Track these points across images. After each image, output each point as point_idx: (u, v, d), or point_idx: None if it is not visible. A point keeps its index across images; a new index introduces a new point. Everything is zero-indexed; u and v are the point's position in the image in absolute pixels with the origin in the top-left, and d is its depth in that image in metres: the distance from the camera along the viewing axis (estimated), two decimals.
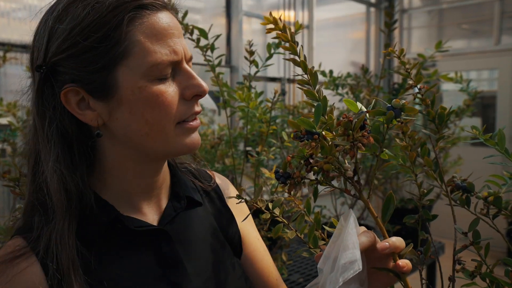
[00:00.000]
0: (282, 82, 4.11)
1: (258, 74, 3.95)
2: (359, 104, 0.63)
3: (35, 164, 0.68)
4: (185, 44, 0.69)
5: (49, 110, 0.65)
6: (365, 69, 1.90)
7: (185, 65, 0.68)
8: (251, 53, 1.32)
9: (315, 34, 4.29)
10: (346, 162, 0.60)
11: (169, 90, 0.65)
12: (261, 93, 1.37)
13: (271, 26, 0.72)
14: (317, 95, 0.67)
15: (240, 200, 0.74)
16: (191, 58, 0.71)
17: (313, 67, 0.70)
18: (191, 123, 0.69)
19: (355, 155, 0.56)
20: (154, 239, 0.71)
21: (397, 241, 0.63)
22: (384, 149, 1.12)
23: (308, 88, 0.68)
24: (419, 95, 0.90)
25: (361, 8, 4.88)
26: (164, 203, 0.77)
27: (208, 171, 0.89)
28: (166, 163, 0.77)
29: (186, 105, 0.68)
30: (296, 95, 4.18)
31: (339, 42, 4.78)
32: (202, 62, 1.38)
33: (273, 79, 4.07)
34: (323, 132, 0.59)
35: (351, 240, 0.56)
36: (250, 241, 0.87)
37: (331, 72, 1.94)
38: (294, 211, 0.80)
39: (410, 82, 0.92)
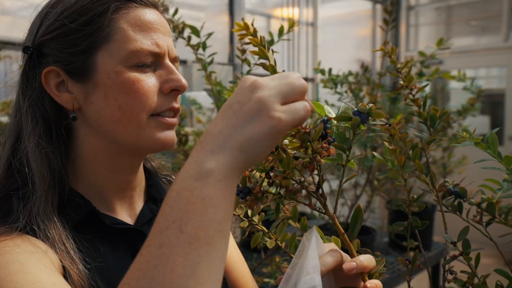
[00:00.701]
0: None
1: (261, 72, 3.92)
2: (327, 108, 0.59)
3: (16, 142, 0.68)
4: (172, 44, 0.71)
5: (31, 90, 0.67)
6: (365, 67, 1.86)
7: (167, 61, 0.69)
8: (243, 51, 1.29)
9: (320, 31, 4.23)
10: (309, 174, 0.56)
11: (147, 79, 0.66)
12: None
13: (243, 32, 0.69)
14: None
15: None
16: (176, 58, 0.72)
17: (283, 70, 0.66)
18: (167, 118, 0.68)
19: (314, 168, 0.52)
20: (130, 239, 0.69)
21: (366, 260, 0.58)
22: (376, 153, 1.08)
23: None
24: (410, 96, 0.86)
25: (367, 4, 4.81)
26: (138, 206, 0.75)
27: None
28: (141, 167, 0.75)
29: (164, 99, 0.68)
30: None
31: (344, 39, 4.72)
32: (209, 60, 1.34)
33: None
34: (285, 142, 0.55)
35: (311, 263, 0.52)
36: (232, 260, 0.84)
37: (330, 70, 1.90)
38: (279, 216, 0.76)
39: (401, 82, 0.88)
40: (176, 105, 0.69)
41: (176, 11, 1.29)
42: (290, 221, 0.78)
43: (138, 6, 0.67)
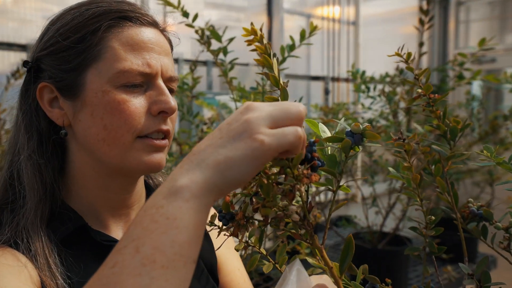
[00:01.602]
0: (326, 80, 3.97)
1: (301, 73, 3.84)
2: (322, 127, 0.53)
3: (13, 155, 0.68)
4: (168, 63, 0.69)
5: (27, 104, 0.68)
6: (400, 70, 1.76)
7: (159, 81, 0.67)
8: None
9: (362, 30, 4.10)
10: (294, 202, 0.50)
11: (134, 100, 0.64)
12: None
13: (251, 37, 0.65)
14: None
15: (211, 227, 0.67)
16: (172, 78, 0.69)
17: (284, 82, 0.61)
18: (154, 140, 0.66)
19: (294, 197, 0.46)
20: None
21: None
22: (391, 169, 1.00)
23: None
24: (429, 106, 0.78)
25: (413, 1, 4.61)
26: None
27: None
28: (141, 185, 0.73)
29: (152, 120, 0.66)
30: (341, 94, 4.02)
31: (388, 38, 4.54)
32: (242, 62, 1.31)
33: (316, 78, 3.94)
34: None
35: None
36: (227, 270, 0.81)
37: (363, 72, 1.82)
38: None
39: (419, 90, 0.81)
40: (165, 127, 0.66)
41: (195, 17, 1.26)
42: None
43: (133, 25, 0.66)
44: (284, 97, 0.61)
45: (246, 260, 0.74)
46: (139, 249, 0.39)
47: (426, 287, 0.69)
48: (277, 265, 0.69)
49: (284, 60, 1.24)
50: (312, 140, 0.50)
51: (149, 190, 0.78)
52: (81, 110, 0.65)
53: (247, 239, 0.69)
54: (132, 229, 0.41)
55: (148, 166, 0.65)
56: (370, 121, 1.96)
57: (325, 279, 0.55)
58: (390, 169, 0.81)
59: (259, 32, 0.65)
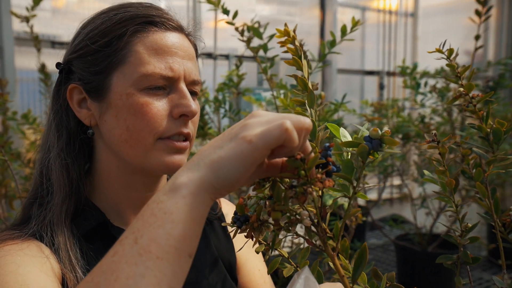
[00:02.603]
0: (381, 75, 3.85)
1: (355, 67, 3.75)
2: (343, 131, 0.51)
3: (45, 153, 0.72)
4: (191, 68, 0.70)
5: (58, 104, 0.71)
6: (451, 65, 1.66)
7: (182, 85, 0.69)
8: (304, 53, 1.22)
9: (421, 22, 3.92)
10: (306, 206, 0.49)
11: (156, 103, 0.66)
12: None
13: (284, 38, 0.64)
14: (307, 113, 0.57)
15: (232, 229, 0.67)
16: (194, 82, 0.71)
17: (314, 84, 0.60)
18: (175, 142, 0.68)
19: (305, 200, 0.45)
20: None
21: None
22: (427, 172, 0.96)
23: (303, 109, 0.58)
24: (471, 106, 0.73)
25: None
26: None
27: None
28: (163, 183, 0.75)
29: (173, 123, 0.68)
30: (397, 90, 3.88)
31: (450, 29, 4.31)
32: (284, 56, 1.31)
33: (371, 73, 3.83)
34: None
35: None
36: (246, 270, 0.80)
37: (414, 67, 1.74)
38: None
39: (461, 89, 0.76)
40: (186, 130, 0.68)
41: (235, 14, 1.26)
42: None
43: (158, 30, 0.68)
44: (311, 102, 0.60)
45: (269, 263, 0.74)
46: (138, 240, 0.42)
47: None
48: (298, 269, 0.67)
49: (324, 56, 1.21)
50: (327, 144, 0.48)
51: None
52: (107, 112, 0.67)
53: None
54: (135, 222, 0.44)
55: (168, 166, 0.67)
56: (422, 118, 1.87)
57: (339, 286, 0.53)
58: (426, 172, 0.77)
59: (291, 33, 0.64)
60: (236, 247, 0.81)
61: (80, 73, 0.69)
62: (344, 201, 1.32)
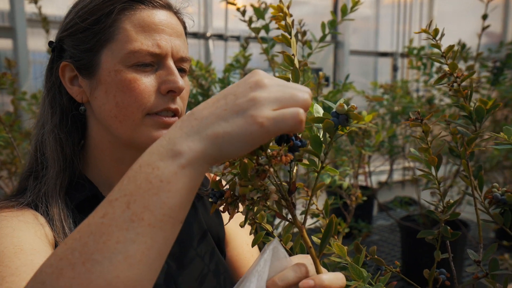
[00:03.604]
0: (395, 57, 3.80)
1: (368, 49, 3.72)
2: (316, 107, 0.53)
3: (40, 129, 0.75)
4: (179, 45, 0.71)
5: (51, 81, 0.74)
6: (462, 44, 1.65)
7: (169, 62, 0.70)
8: (303, 33, 1.23)
9: (437, 1, 3.84)
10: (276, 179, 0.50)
11: (144, 79, 0.68)
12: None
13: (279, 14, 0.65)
14: None
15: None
16: (183, 59, 0.72)
17: (301, 61, 0.61)
18: (164, 118, 0.69)
19: (265, 177, 0.47)
20: None
21: (328, 279, 0.50)
22: (413, 149, 0.97)
23: None
24: (455, 85, 0.74)
25: None
26: None
27: (207, 175, 0.87)
28: None
29: (161, 99, 0.69)
30: (411, 71, 3.83)
31: (468, 9, 4.19)
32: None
33: (384, 54, 3.78)
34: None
35: (260, 284, 0.48)
36: (235, 244, 0.83)
37: (421, 48, 1.72)
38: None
39: (446, 69, 0.76)
40: (174, 106, 0.70)
41: None
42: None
43: (146, 8, 0.69)
44: (296, 78, 0.61)
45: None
46: (130, 205, 0.41)
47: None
48: (281, 243, 0.70)
49: (324, 36, 1.21)
50: None
51: None
52: (97, 88, 0.69)
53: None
54: (126, 183, 0.42)
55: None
56: (430, 99, 1.86)
57: (306, 259, 0.55)
58: (412, 149, 0.78)
59: (284, 9, 0.65)
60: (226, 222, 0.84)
61: (71, 51, 0.71)
62: (342, 181, 1.33)
